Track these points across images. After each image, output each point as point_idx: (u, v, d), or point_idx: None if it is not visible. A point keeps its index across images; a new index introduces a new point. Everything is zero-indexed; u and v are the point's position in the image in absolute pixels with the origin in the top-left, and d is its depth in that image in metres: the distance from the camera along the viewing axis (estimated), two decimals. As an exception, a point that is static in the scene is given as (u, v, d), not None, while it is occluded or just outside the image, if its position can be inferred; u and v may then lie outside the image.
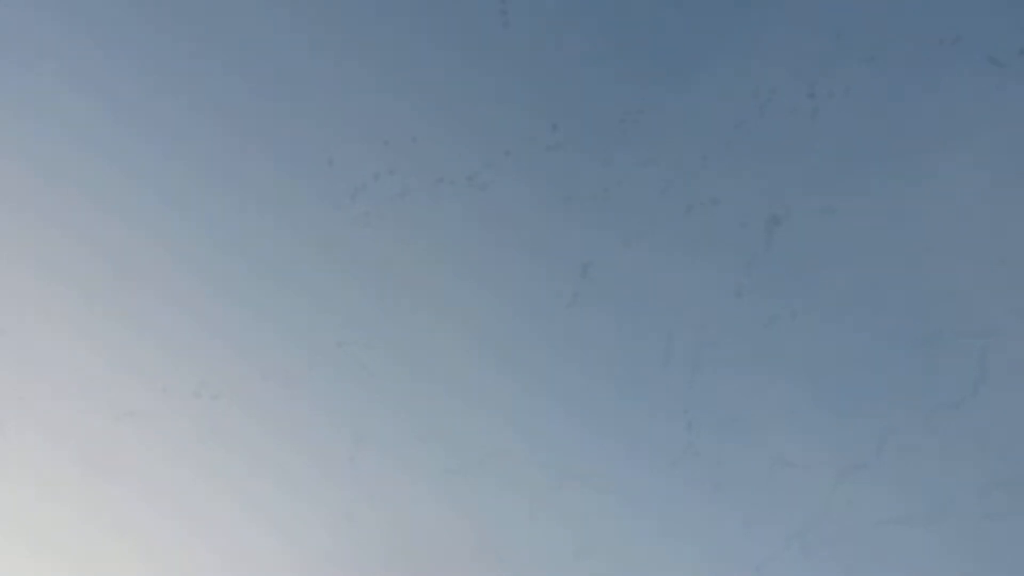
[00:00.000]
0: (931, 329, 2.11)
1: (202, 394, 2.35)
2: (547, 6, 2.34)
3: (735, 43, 2.23)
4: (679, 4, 2.32)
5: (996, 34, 2.20)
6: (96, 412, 2.35)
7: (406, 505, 2.23)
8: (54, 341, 2.36)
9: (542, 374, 2.24)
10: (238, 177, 2.32)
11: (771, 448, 2.13)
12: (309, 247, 2.32)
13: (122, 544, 2.31)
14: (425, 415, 2.25)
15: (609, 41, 2.29)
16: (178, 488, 2.32)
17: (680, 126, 2.28)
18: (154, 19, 2.32)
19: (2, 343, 2.38)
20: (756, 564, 2.08)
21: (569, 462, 2.19)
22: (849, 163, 2.21)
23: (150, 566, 2.30)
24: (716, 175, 2.27)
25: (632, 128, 2.30)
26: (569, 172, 2.32)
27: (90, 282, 2.35)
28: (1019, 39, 2.20)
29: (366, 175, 2.37)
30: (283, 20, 2.34)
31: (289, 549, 2.25)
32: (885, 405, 2.10)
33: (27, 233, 2.34)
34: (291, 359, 2.31)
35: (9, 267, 2.37)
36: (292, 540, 2.26)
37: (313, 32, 2.33)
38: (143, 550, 2.30)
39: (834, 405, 2.12)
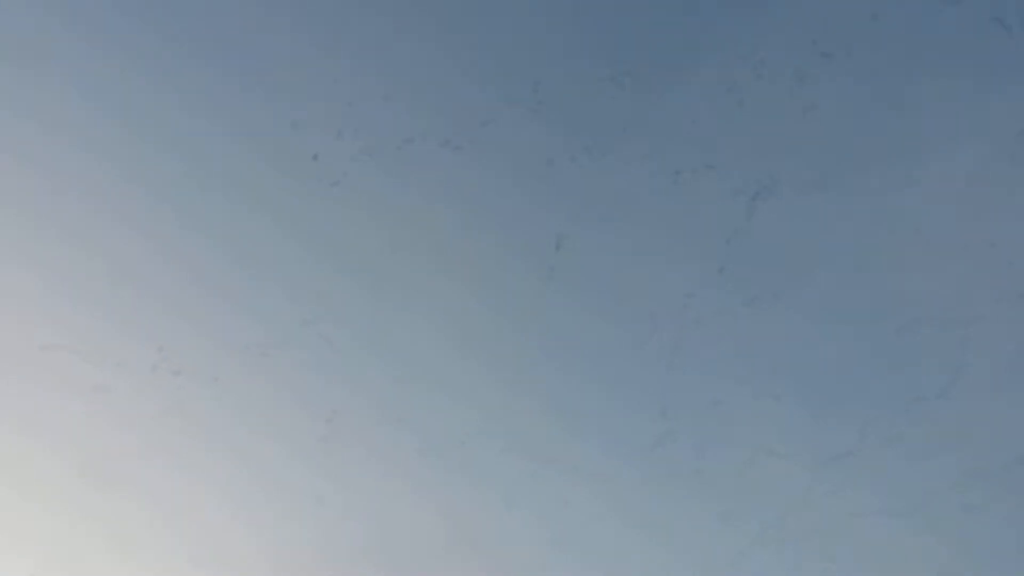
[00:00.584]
0: (912, 316, 2.06)
1: (160, 369, 2.24)
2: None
3: (731, 16, 2.08)
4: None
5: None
6: (53, 387, 2.24)
7: (377, 488, 2.17)
8: (10, 316, 2.22)
9: (515, 356, 2.17)
10: (197, 149, 2.16)
11: (750, 437, 2.09)
12: (272, 219, 2.18)
13: (77, 522, 2.24)
14: (396, 398, 2.17)
15: (596, 4, 2.13)
16: (137, 468, 2.24)
17: (668, 95, 2.15)
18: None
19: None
20: (732, 554, 2.07)
21: (542, 448, 2.14)
22: (839, 140, 2.11)
23: (109, 547, 2.23)
24: (703, 145, 2.16)
25: (618, 94, 2.17)
26: (549, 139, 2.20)
27: (51, 258, 2.20)
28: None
29: (329, 138, 2.22)
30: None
31: (255, 532, 2.20)
32: (865, 394, 2.07)
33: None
34: (254, 336, 2.20)
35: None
36: (258, 523, 2.20)
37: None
38: (99, 530, 2.23)
39: (814, 393, 2.08)
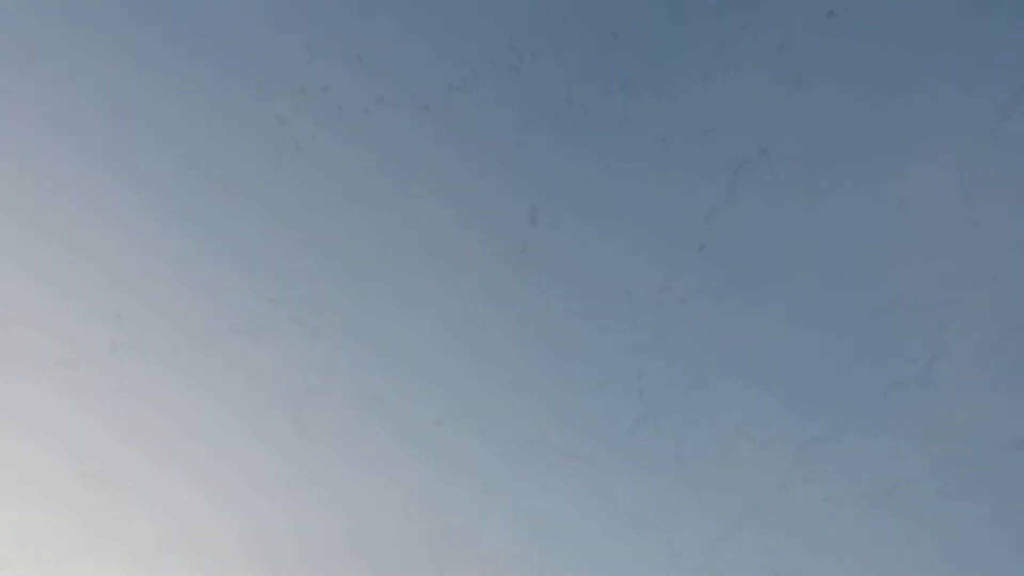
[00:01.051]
0: (890, 299, 2.01)
1: (119, 349, 2.14)
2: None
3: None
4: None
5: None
6: (13, 365, 2.13)
7: (351, 471, 2.11)
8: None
9: (491, 339, 2.09)
10: (161, 124, 2.01)
11: (729, 421, 2.05)
12: (235, 191, 2.06)
13: (39, 505, 2.16)
14: (370, 381, 2.09)
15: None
16: (105, 451, 2.16)
17: (657, 54, 2.02)
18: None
19: None
20: (711, 538, 2.06)
21: (519, 432, 2.09)
22: (826, 125, 2.01)
23: (72, 531, 2.16)
24: (692, 116, 2.05)
25: (608, 58, 2.04)
26: (532, 100, 2.07)
27: (14, 236, 2.06)
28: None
29: (295, 94, 2.08)
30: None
31: (226, 518, 2.14)
32: (845, 379, 2.03)
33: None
34: (219, 316, 2.10)
35: None
36: (230, 509, 2.14)
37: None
38: (62, 514, 2.15)
39: (792, 378, 2.04)
